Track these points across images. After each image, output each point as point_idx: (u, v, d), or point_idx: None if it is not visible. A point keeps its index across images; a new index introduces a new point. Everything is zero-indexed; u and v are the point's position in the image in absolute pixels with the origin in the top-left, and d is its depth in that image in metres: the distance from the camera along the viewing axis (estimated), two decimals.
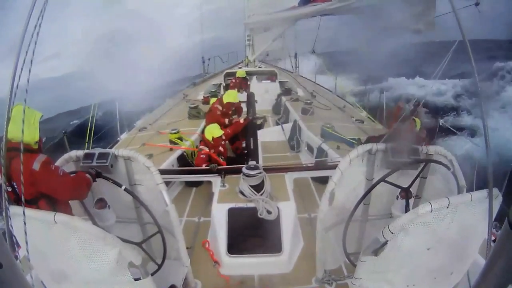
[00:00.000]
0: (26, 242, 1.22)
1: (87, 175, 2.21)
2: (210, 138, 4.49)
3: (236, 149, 5.44)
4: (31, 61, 1.16)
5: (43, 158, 1.97)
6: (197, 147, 4.90)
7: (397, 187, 2.32)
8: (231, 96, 5.33)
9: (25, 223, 1.19)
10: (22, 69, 1.13)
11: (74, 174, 2.19)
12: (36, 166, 1.92)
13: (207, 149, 4.49)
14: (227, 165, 4.21)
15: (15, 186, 1.95)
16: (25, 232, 1.18)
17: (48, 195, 2.05)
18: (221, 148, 4.55)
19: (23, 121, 1.35)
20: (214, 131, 4.53)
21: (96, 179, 2.29)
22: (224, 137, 4.59)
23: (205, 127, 4.95)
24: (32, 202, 1.99)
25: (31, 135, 1.97)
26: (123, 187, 2.26)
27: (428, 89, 14.40)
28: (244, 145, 5.12)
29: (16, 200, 1.96)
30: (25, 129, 1.70)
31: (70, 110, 20.50)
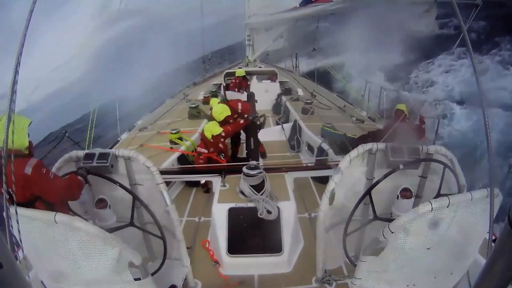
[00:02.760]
0: (20, 241, 1.23)
1: (79, 177, 2.25)
2: (209, 136, 4.42)
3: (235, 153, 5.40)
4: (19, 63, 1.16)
5: (34, 161, 1.99)
6: (195, 149, 4.86)
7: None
8: (211, 129, 4.48)
9: (18, 222, 1.20)
10: (18, 72, 1.12)
11: (67, 177, 2.23)
12: (28, 170, 1.94)
13: (205, 151, 4.45)
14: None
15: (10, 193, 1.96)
16: (19, 231, 1.19)
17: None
18: (221, 145, 4.49)
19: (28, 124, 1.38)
20: (213, 128, 4.44)
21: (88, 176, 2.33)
22: (223, 134, 4.49)
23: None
24: (28, 205, 2.00)
25: (20, 142, 1.98)
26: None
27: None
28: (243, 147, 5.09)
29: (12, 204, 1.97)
30: (14, 137, 1.77)
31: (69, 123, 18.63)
